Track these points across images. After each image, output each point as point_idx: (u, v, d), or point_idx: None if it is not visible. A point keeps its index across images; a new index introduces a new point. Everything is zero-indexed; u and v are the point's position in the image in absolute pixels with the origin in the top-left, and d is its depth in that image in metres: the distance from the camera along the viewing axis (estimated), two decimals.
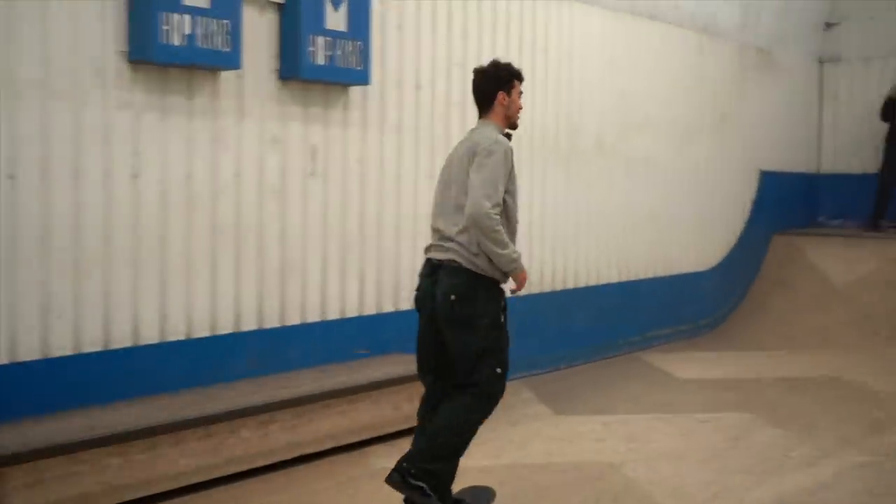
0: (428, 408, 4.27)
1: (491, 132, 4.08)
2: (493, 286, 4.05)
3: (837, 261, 10.48)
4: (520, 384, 7.99)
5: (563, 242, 8.67)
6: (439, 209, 4.15)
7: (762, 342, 9.80)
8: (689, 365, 8.27)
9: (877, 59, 12.34)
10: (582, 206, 8.42)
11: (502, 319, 4.14)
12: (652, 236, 9.47)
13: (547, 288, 8.42)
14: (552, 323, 8.53)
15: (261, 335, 6.25)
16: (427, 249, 4.24)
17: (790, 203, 11.97)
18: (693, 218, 10.19)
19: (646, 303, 8.91)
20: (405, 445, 5.88)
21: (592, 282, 8.47)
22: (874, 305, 9.98)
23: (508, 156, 4.02)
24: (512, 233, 4.07)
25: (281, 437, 5.34)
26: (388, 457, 5.75)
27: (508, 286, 4.21)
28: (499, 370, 4.12)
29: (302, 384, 5.90)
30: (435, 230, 4.18)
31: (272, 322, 6.32)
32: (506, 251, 3.90)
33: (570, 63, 8.61)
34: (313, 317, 6.58)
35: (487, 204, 3.82)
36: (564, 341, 8.65)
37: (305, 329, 6.53)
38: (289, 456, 5.30)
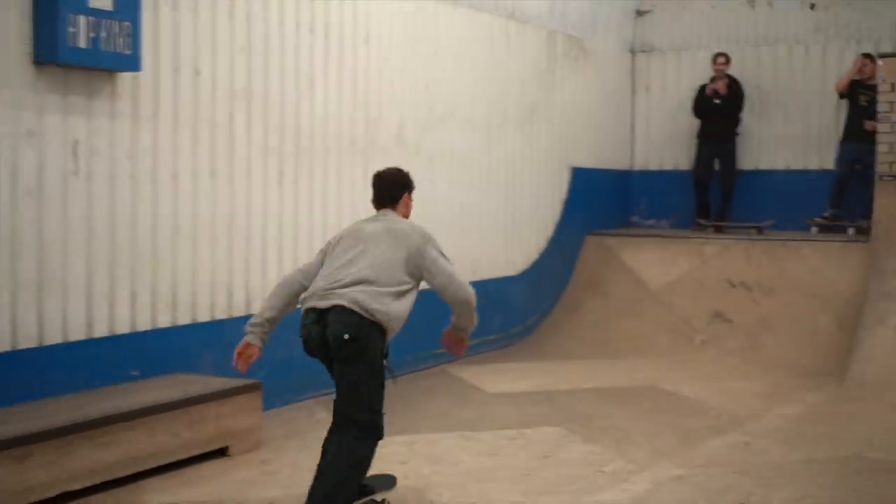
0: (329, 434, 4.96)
1: (403, 220, 5.13)
2: (382, 333, 4.82)
3: (652, 263, 11.02)
4: (314, 404, 8.02)
5: None
6: (335, 267, 4.83)
7: (575, 350, 9.97)
8: (498, 377, 8.48)
9: (687, 51, 13.17)
10: None
11: (385, 362, 4.89)
12: (458, 238, 9.48)
13: None
14: None
15: (14, 357, 6.13)
16: (309, 299, 4.82)
17: (603, 202, 12.49)
18: (501, 218, 10.50)
19: (449, 314, 9.14)
20: (186, 477, 5.88)
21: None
22: (688, 309, 10.58)
23: None
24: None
25: (39, 474, 5.35)
26: (166, 491, 5.78)
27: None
28: (380, 411, 4.85)
29: (63, 412, 5.80)
30: (326, 283, 4.78)
31: (28, 342, 6.21)
32: (475, 316, 5.23)
33: (368, 49, 8.75)
34: (77, 335, 6.51)
35: (470, 290, 5.09)
36: None
37: (67, 349, 6.44)
38: (48, 495, 5.38)
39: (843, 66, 12.16)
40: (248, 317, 7.25)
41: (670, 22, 13.32)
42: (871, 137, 9.99)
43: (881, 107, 9.97)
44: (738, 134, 12.30)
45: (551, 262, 10.69)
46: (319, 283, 4.76)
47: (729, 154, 12.30)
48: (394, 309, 4.74)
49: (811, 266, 10.27)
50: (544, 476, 6.06)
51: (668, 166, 13.06)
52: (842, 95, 11.75)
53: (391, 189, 5.25)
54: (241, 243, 7.52)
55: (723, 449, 6.69)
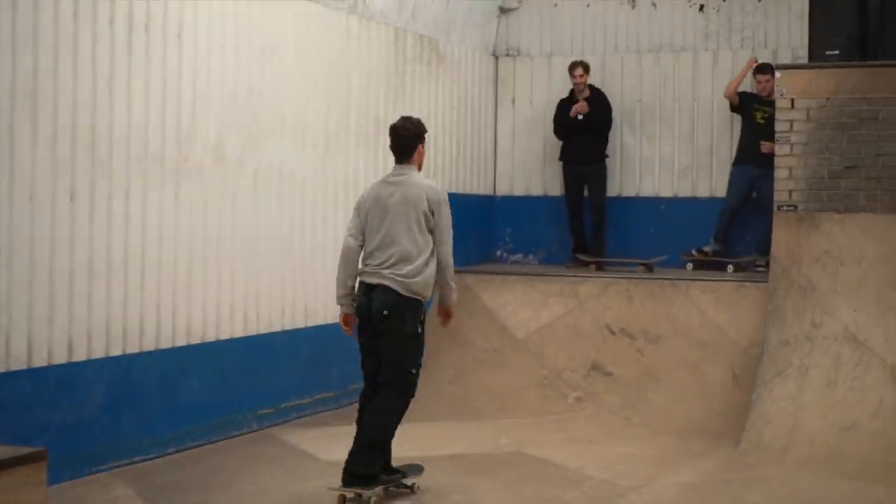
0: (364, 400, 7.06)
1: (422, 178, 7.03)
2: (417, 303, 6.84)
3: (518, 306, 11.08)
4: (112, 477, 7.86)
5: (171, 283, 8.46)
6: (375, 246, 6.87)
7: (430, 410, 9.95)
8: (335, 443, 8.07)
9: (559, 56, 13.37)
10: (197, 234, 8.37)
11: (421, 329, 6.88)
12: (289, 275, 9.19)
13: (148, 346, 8.35)
14: (155, 393, 8.46)
15: None
16: (361, 273, 6.90)
17: (462, 233, 12.49)
18: (338, 251, 10.49)
19: (281, 363, 9.18)
20: None
21: (210, 336, 8.52)
22: (562, 360, 10.66)
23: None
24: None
25: None
26: None
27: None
28: (414, 371, 6.90)
29: None
30: (372, 260, 6.83)
31: None
32: (455, 285, 7.20)
33: (180, 46, 8.61)
34: None
35: (450, 259, 6.93)
36: (172, 417, 8.56)
37: None
38: None
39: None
40: (11, 374, 7.27)
41: (539, 22, 13.47)
42: (769, 160, 10.18)
43: (780, 126, 10.12)
44: (607, 156, 12.53)
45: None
46: (367, 259, 6.82)
47: (597, 179, 12.55)
48: (427, 275, 6.74)
49: (701, 310, 10.46)
50: None
51: (537, 191, 13.26)
52: (734, 108, 12.11)
53: (408, 142, 6.96)
54: (20, 279, 7.30)
55: None
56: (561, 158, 12.59)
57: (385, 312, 6.63)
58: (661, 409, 9.99)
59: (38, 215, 7.41)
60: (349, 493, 6.61)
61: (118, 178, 8.06)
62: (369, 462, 6.67)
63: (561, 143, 12.56)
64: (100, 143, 7.89)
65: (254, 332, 9.35)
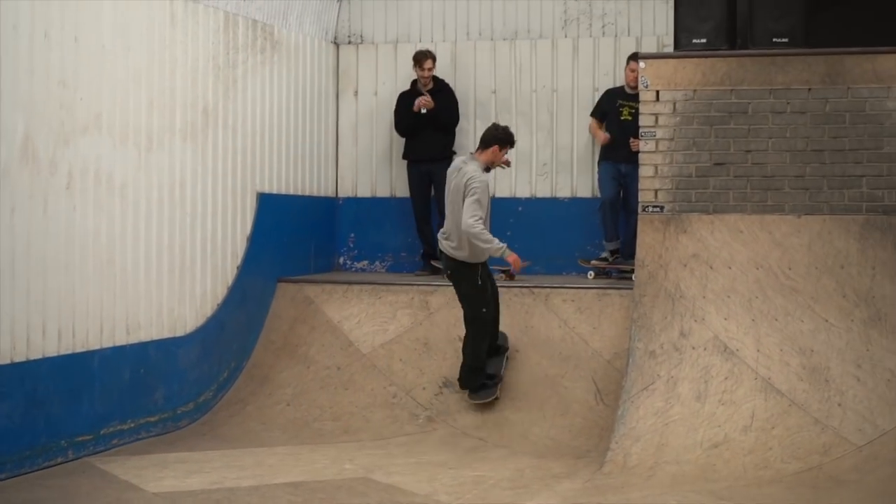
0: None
1: (476, 168, 9.68)
2: (470, 265, 9.60)
3: (364, 318, 11.20)
4: None
5: None
6: (445, 224, 9.97)
7: (265, 434, 9.83)
8: (162, 472, 8.27)
9: (406, 44, 13.53)
10: (4, 243, 8.52)
11: (480, 281, 9.78)
12: (108, 286, 9.16)
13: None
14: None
15: None
16: (439, 241, 9.89)
17: (300, 239, 12.63)
18: (165, 260, 10.25)
19: (100, 384, 9.03)
20: None
21: (19, 356, 8.33)
22: (411, 377, 10.75)
23: (485, 186, 9.56)
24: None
25: None
26: None
27: (500, 268, 10.18)
28: (484, 310, 9.81)
29: None
30: (441, 232, 9.91)
31: None
32: (488, 245, 9.46)
33: None
34: None
35: (471, 220, 9.22)
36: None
37: None
38: None
39: (598, 67, 12.99)
40: None
41: (384, 7, 13.57)
42: (637, 158, 10.38)
43: (644, 120, 10.27)
44: (454, 153, 12.53)
45: (232, 316, 10.82)
46: (441, 230, 10.15)
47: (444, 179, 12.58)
48: (468, 247, 9.62)
49: (562, 319, 10.66)
50: None
51: (383, 192, 13.43)
52: (597, 111, 12.46)
53: (485, 136, 9.96)
54: None
55: None
56: (405, 157, 12.83)
57: (448, 272, 9.98)
58: (519, 428, 10.07)
59: None
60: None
61: None
62: (472, 381, 10.10)
63: (404, 139, 12.81)
64: None
65: (69, 351, 9.18)
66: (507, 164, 10.33)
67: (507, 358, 10.34)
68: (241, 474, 8.87)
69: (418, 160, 12.57)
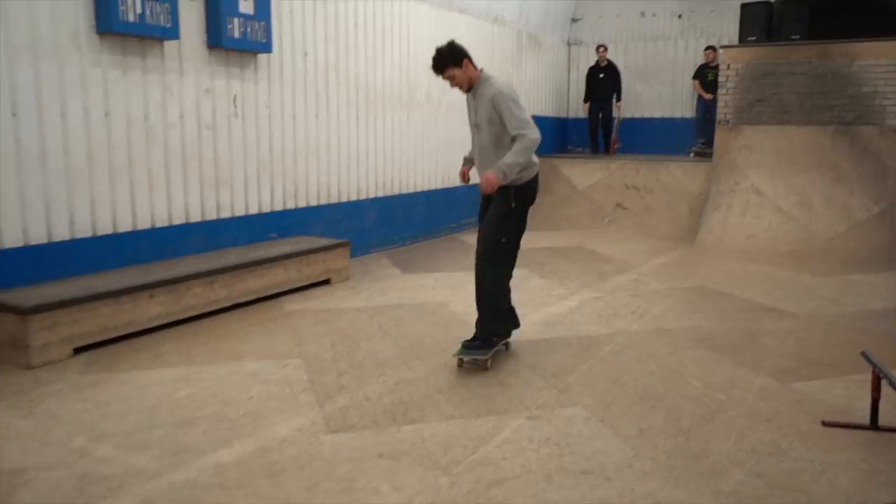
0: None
1: (497, 83, 4.02)
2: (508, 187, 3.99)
3: (579, 173, 11.02)
4: (380, 255, 8.23)
5: (405, 162, 8.82)
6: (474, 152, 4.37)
7: (534, 226, 10.01)
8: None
9: (598, 43, 12.83)
10: (418, 137, 8.65)
11: (513, 204, 4.07)
12: (456, 160, 9.88)
13: (397, 192, 8.60)
14: (400, 215, 8.53)
15: (204, 225, 6.29)
16: None
17: (551, 136, 12.46)
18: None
19: (460, 201, 8.97)
20: (308, 294, 6.10)
21: (426, 188, 8.59)
22: (601, 201, 10.63)
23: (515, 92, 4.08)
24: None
25: (221, 292, 5.36)
26: (295, 303, 6.00)
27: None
28: (504, 239, 4.13)
29: (234, 257, 5.84)
30: None
31: (212, 216, 6.37)
32: (528, 158, 4.01)
33: (408, 41, 8.68)
34: (240, 212, 6.65)
35: (527, 130, 4.03)
36: (408, 227, 8.50)
37: (234, 221, 6.60)
38: (228, 304, 5.33)
39: (697, 54, 12.14)
40: (332, 205, 7.51)
41: (590, 25, 13.06)
42: (714, 100, 10.21)
43: (721, 78, 9.75)
44: (617, 98, 11.91)
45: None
46: None
47: (610, 111, 11.98)
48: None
49: (675, 176, 10.27)
50: (516, 297, 6.13)
51: (581, 115, 12.81)
52: (696, 77, 11.61)
53: (453, 54, 4.26)
54: (334, 158, 7.69)
55: (623, 282, 6.78)
56: (586, 100, 12.05)
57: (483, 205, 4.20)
58: (652, 227, 9.88)
59: (333, 127, 7.60)
60: (466, 358, 4.13)
61: (378, 109, 8.24)
62: (488, 322, 4.25)
63: (587, 88, 12.01)
64: (370, 91, 8.10)
65: (447, 186, 9.34)
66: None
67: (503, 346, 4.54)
68: (523, 243, 9.03)
69: (595, 100, 11.82)
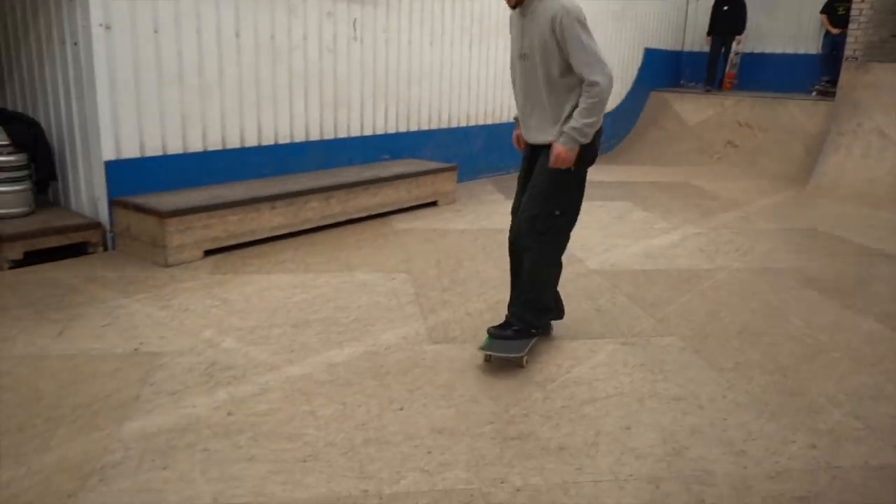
0: None
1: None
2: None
3: (690, 109, 10.60)
4: (486, 181, 8.27)
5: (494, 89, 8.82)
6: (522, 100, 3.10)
7: (640, 160, 9.93)
8: (593, 172, 8.19)
9: None
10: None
11: (574, 167, 2.90)
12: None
13: (505, 120, 8.51)
14: (507, 143, 8.45)
15: (323, 143, 6.43)
16: None
17: (664, 70, 11.95)
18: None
19: None
20: (416, 214, 6.20)
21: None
22: (711, 138, 10.20)
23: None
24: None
25: (337, 207, 5.49)
26: (404, 222, 6.12)
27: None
28: (558, 212, 2.96)
29: (349, 175, 6.00)
30: None
31: (329, 135, 6.50)
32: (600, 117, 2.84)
33: None
34: (355, 133, 6.76)
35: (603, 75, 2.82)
36: (514, 155, 8.51)
37: (350, 141, 6.71)
38: (342, 219, 5.48)
39: None
40: (442, 130, 7.50)
41: None
42: (842, 35, 9.55)
43: (854, 12, 9.08)
44: (739, 31, 11.17)
45: (628, 106, 10.33)
46: None
47: (729, 43, 11.26)
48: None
49: (793, 115, 9.73)
50: (618, 228, 6.10)
51: (704, 49, 12.12)
52: (823, 11, 10.79)
53: None
54: (446, 83, 7.65)
55: (728, 220, 6.58)
56: (709, 33, 11.32)
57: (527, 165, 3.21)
58: (763, 166, 9.46)
59: (446, 54, 7.62)
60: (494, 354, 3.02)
61: (488, 35, 8.10)
62: (527, 316, 3.09)
63: (711, 21, 11.27)
64: (483, 19, 7.99)
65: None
66: None
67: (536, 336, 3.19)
68: (628, 176, 8.86)
69: (717, 33, 11.12)
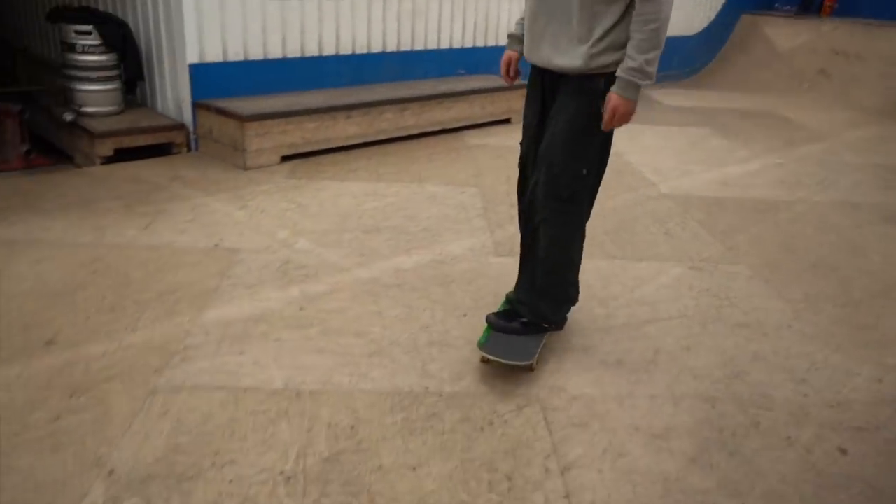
0: None
1: None
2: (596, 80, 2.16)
3: (782, 34, 10.00)
4: None
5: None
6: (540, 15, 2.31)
7: (724, 86, 9.50)
8: (673, 97, 7.97)
9: None
10: None
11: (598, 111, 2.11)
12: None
13: None
14: None
15: (400, 55, 6.38)
16: None
17: None
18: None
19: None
20: (489, 131, 6.13)
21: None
22: (802, 65, 9.62)
23: None
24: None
25: (410, 120, 5.54)
26: (476, 137, 6.07)
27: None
28: (585, 171, 2.24)
29: (424, 88, 6.08)
30: None
31: (406, 47, 6.43)
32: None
33: None
34: (432, 46, 6.67)
35: None
36: None
37: (427, 54, 6.63)
38: (415, 132, 5.53)
39: None
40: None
41: None
42: None
43: None
44: None
45: (715, 29, 10.25)
46: None
47: None
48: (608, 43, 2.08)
49: (895, 44, 8.93)
50: (695, 153, 5.93)
51: None
52: None
53: None
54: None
55: (812, 151, 6.29)
56: None
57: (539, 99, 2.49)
58: (855, 97, 8.81)
59: None
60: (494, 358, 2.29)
61: None
62: (545, 306, 2.30)
63: None
64: None
65: None
66: None
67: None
68: (709, 102, 8.48)
69: None
